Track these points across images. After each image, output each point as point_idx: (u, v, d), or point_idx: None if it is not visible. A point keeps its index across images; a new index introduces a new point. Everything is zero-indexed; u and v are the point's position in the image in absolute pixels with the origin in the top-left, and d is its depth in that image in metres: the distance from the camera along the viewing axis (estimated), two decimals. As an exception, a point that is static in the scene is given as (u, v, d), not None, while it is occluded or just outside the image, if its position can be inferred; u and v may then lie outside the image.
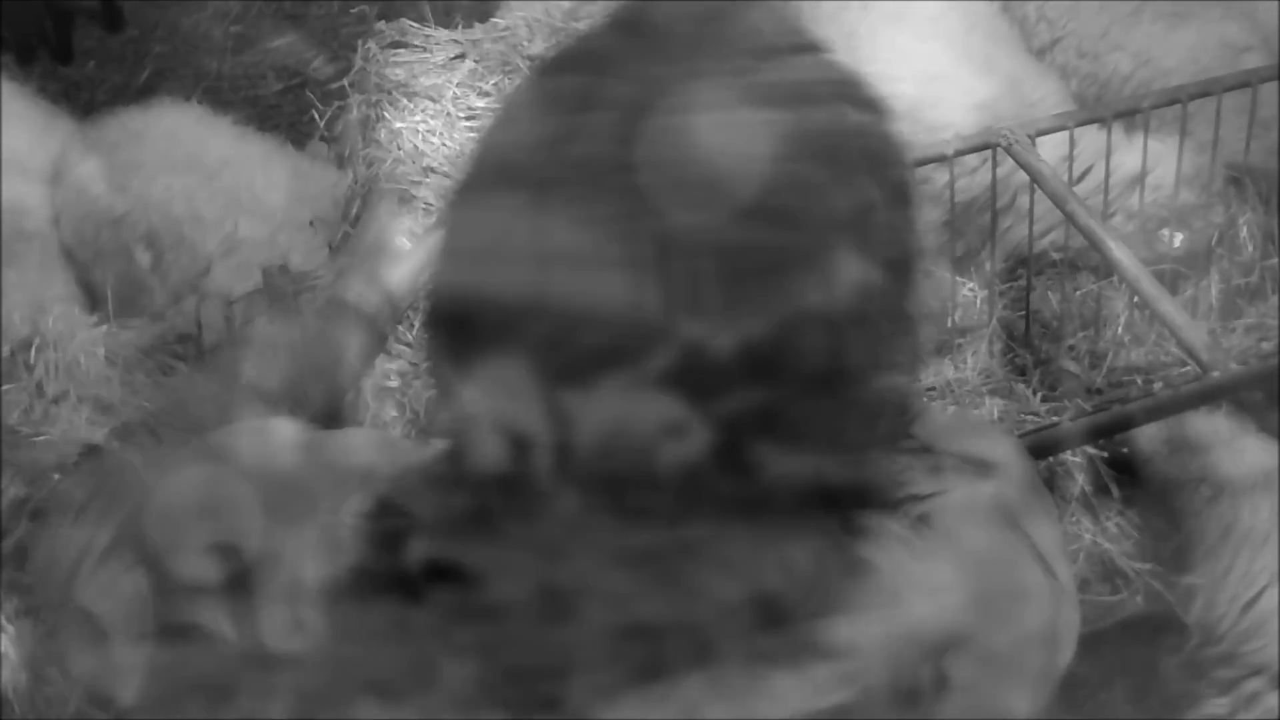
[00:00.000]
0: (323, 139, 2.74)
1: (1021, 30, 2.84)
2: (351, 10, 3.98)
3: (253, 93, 3.69)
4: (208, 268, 2.32)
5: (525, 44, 2.05)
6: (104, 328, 1.74)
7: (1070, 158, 2.01)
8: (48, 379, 1.54)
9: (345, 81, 2.18)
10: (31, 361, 1.58)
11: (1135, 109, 2.04)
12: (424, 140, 1.98)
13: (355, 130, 2.27)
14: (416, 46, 2.17)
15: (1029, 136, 1.89)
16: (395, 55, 2.13)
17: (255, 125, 2.83)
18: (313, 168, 2.55)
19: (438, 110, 2.05)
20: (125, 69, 3.85)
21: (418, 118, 2.06)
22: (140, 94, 3.03)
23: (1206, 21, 2.67)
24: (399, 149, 2.04)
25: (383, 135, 2.10)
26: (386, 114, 2.12)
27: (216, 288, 2.27)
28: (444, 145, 1.94)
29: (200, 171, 2.46)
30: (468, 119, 1.98)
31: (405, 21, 2.14)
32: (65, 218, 2.52)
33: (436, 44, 2.17)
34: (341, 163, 2.57)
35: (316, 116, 2.28)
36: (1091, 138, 2.09)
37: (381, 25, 2.15)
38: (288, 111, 3.58)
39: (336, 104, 2.42)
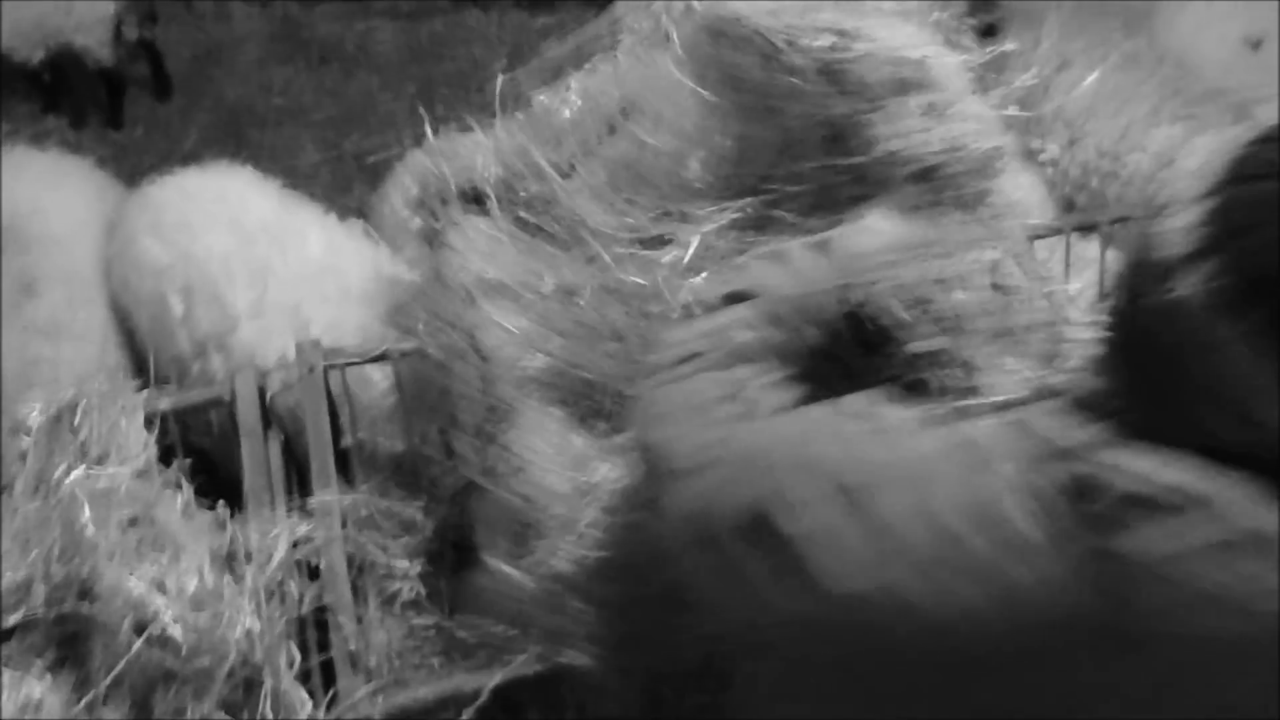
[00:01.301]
0: (359, 215, 2.82)
1: (1036, 130, 2.90)
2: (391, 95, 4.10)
3: (291, 163, 3.81)
4: (234, 326, 2.41)
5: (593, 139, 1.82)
6: (144, 393, 1.82)
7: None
8: (90, 442, 1.61)
9: (396, 166, 2.16)
10: (76, 424, 1.65)
11: (1056, 229, 2.06)
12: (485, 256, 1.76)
13: (405, 230, 2.24)
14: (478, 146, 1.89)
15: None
16: (450, 154, 1.93)
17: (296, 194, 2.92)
18: (348, 241, 2.64)
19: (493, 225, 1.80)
20: (172, 136, 4.00)
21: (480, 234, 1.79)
22: (185, 161, 3.13)
23: (1225, 127, 2.72)
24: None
25: (443, 255, 1.84)
26: (448, 236, 1.86)
27: (241, 347, 2.37)
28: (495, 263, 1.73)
29: (239, 234, 2.56)
30: (524, 229, 1.76)
31: (466, 116, 1.93)
32: (114, 266, 2.63)
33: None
34: (378, 240, 2.64)
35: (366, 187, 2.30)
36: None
37: (432, 123, 2.01)
38: (323, 182, 3.69)
39: (376, 184, 2.42)
